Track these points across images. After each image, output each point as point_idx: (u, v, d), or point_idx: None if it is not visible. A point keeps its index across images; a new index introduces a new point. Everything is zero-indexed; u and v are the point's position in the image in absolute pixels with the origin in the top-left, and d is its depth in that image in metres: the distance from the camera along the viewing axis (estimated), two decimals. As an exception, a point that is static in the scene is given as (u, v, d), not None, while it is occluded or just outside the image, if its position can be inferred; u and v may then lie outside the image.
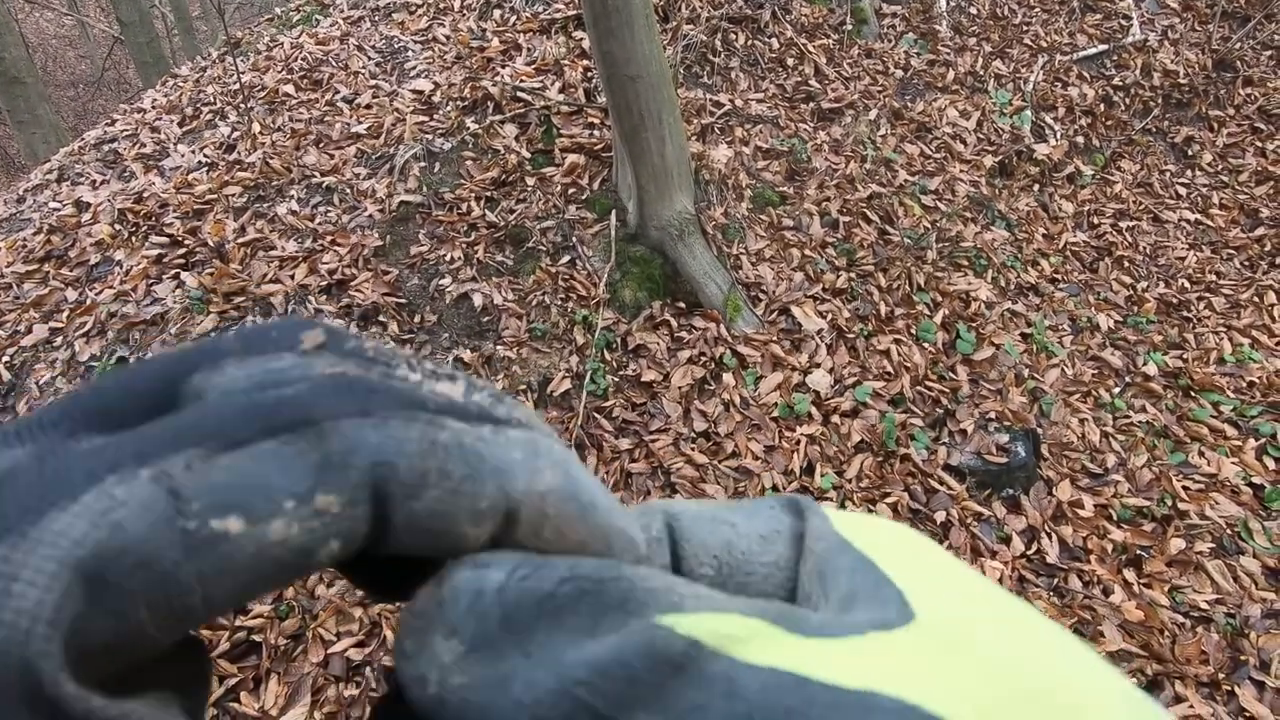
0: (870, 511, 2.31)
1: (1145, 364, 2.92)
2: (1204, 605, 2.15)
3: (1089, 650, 0.15)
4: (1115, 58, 4.24)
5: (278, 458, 0.12)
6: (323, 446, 0.12)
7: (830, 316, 2.78)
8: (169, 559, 0.11)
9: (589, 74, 3.31)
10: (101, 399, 0.13)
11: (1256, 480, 2.49)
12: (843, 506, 2.32)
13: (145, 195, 3.04)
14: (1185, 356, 2.97)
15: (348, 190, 2.97)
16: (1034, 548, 2.29)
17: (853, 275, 2.94)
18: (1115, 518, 2.38)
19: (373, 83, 3.47)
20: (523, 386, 2.56)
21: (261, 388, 0.13)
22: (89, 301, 2.71)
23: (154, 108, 3.80)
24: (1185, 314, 3.21)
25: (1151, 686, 1.98)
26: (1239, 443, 2.62)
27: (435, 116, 3.21)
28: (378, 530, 0.13)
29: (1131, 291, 3.29)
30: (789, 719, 0.12)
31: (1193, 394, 2.82)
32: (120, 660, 0.12)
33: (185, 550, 0.11)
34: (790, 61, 3.77)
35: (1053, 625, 0.16)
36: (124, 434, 0.12)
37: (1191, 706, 1.92)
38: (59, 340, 2.64)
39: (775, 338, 2.70)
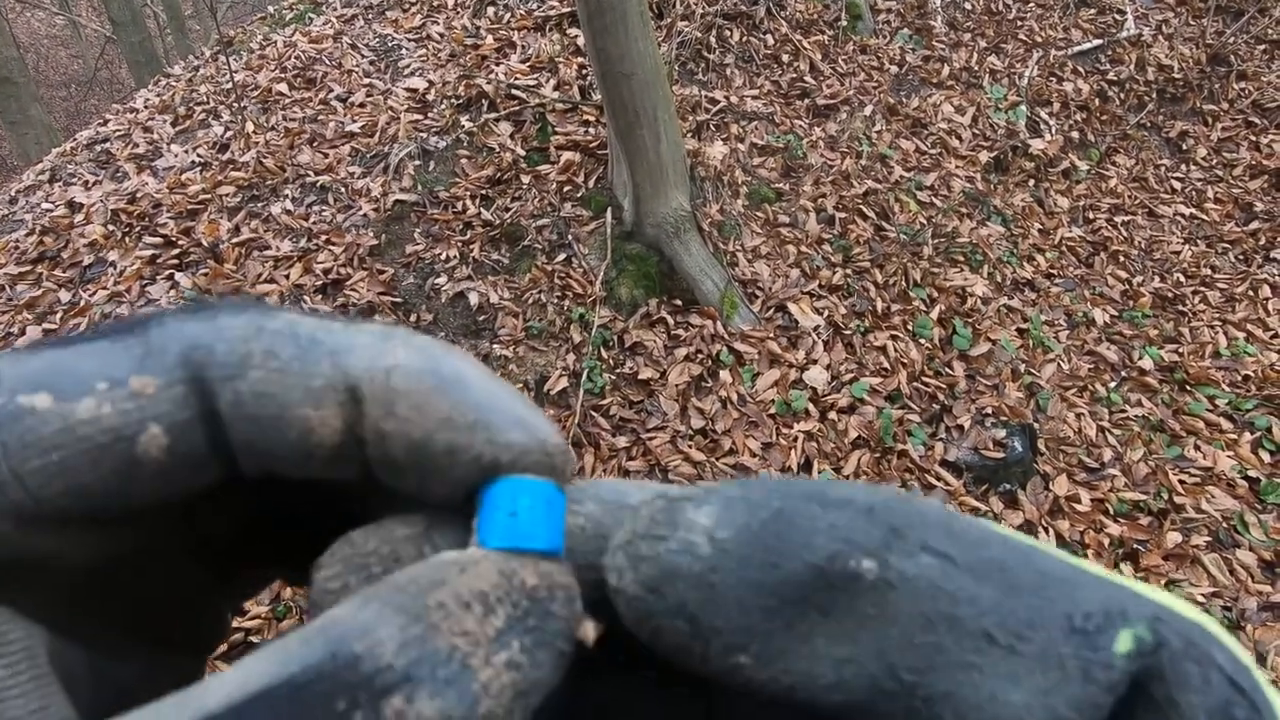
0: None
1: (1141, 358, 2.93)
2: (1200, 599, 2.16)
3: None
4: (1110, 52, 4.24)
5: (100, 351, 0.12)
6: (146, 340, 0.13)
7: (827, 313, 2.78)
8: None
9: (584, 71, 3.30)
10: None
11: (1252, 473, 2.50)
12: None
13: (138, 195, 3.02)
14: (1180, 350, 2.97)
15: (342, 189, 2.96)
16: (1031, 542, 2.29)
17: (849, 271, 2.94)
18: (1112, 512, 2.38)
19: (367, 81, 3.46)
20: (520, 385, 2.55)
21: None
22: (82, 303, 2.69)
23: (146, 107, 3.78)
24: (1180, 308, 3.21)
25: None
26: (1234, 436, 2.63)
27: (430, 115, 3.20)
28: (212, 424, 0.13)
29: (1127, 286, 3.29)
30: (1069, 572, 0.12)
31: (1188, 388, 2.83)
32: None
33: None
34: (785, 58, 3.76)
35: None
36: None
37: (1188, 699, 1.93)
38: (53, 342, 2.63)
39: (772, 334, 2.70)
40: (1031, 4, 4.46)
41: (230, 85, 3.52)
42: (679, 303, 2.79)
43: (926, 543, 0.11)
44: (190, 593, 0.17)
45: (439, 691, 0.10)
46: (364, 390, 0.13)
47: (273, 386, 0.12)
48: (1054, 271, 3.29)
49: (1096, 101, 4.01)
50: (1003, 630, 0.11)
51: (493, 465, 0.13)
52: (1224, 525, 2.34)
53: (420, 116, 3.20)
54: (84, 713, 0.13)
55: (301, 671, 0.10)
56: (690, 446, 2.43)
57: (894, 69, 3.90)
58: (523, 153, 3.06)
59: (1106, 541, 2.29)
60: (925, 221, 3.17)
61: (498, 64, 3.40)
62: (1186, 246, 3.51)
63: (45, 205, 3.13)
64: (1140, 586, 0.12)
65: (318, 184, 2.98)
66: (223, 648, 1.87)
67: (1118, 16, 4.42)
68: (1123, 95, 4.09)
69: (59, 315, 2.68)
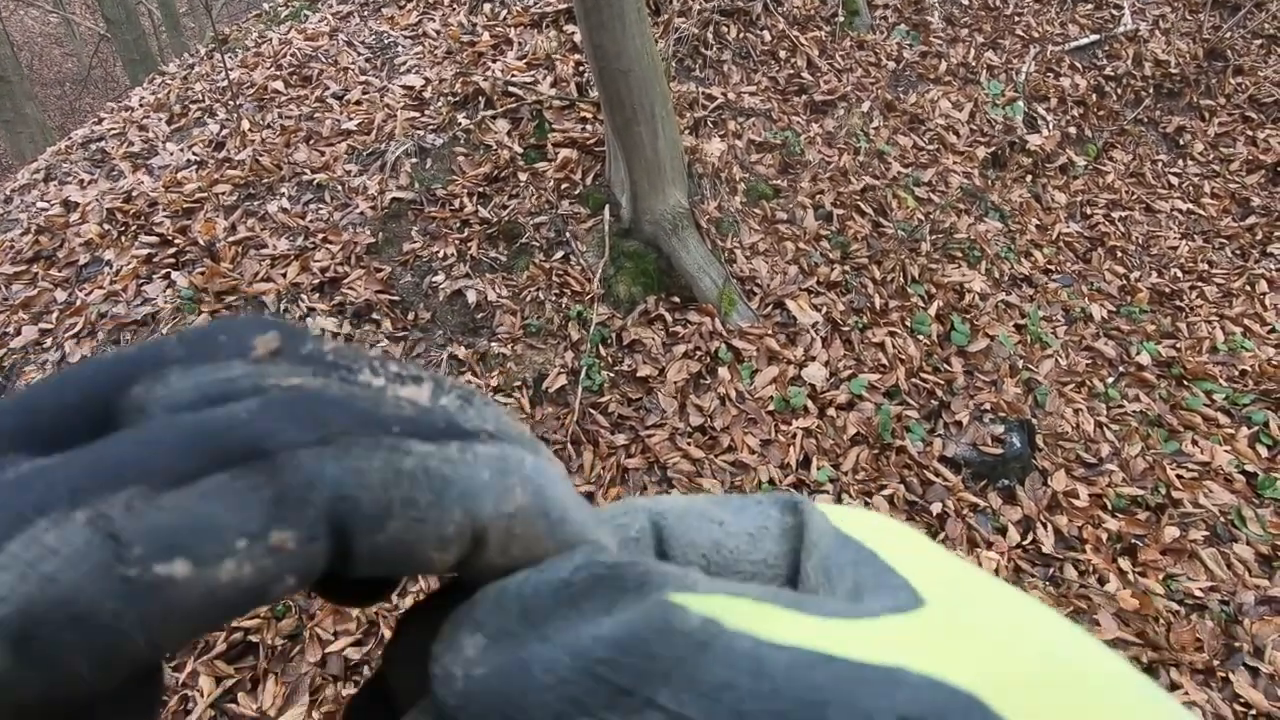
0: (867, 504, 2.32)
1: (1138, 353, 2.93)
2: (1198, 593, 2.16)
3: (1087, 633, 0.15)
4: (1107, 48, 4.24)
5: (227, 494, 0.11)
6: (277, 481, 0.12)
7: (825, 309, 2.78)
8: (107, 610, 0.10)
9: (581, 68, 3.29)
10: (30, 413, 0.12)
11: (1249, 468, 2.50)
12: (839, 500, 2.33)
13: (134, 194, 3.01)
14: (1178, 346, 2.98)
15: (339, 187, 2.95)
16: (1030, 538, 2.30)
17: (847, 268, 2.94)
18: (1110, 507, 2.39)
19: (363, 79, 3.45)
20: (518, 383, 2.55)
21: (209, 402, 0.12)
22: (79, 302, 2.68)
23: (142, 106, 3.76)
24: (1178, 303, 3.22)
25: (1147, 674, 1.99)
26: (1232, 431, 2.64)
27: (426, 112, 3.19)
28: (339, 561, 0.12)
29: (1124, 281, 3.30)
30: (818, 694, 0.11)
31: (1186, 383, 2.83)
32: (61, 708, 0.11)
33: (126, 599, 0.10)
34: (782, 54, 3.76)
35: (1052, 611, 0.16)
36: (55, 461, 0.11)
37: (1186, 693, 1.93)
38: (49, 342, 2.62)
39: (770, 331, 2.70)
40: (1028, -1, 4.46)
41: (226, 83, 3.51)
42: (677, 300, 2.79)
43: (654, 699, 0.12)
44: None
45: None
46: (489, 535, 0.14)
47: (410, 535, 0.13)
48: (1052, 267, 3.29)
49: (1094, 97, 4.01)
50: None
51: None
52: (1221, 520, 2.35)
53: (417, 114, 3.19)
54: None
55: None
56: (689, 444, 2.43)
57: (891, 65, 3.89)
58: (520, 150, 3.06)
59: (1105, 536, 2.30)
60: (923, 218, 3.17)
61: (494, 61, 3.39)
62: (1184, 242, 3.51)
63: (40, 204, 3.11)
64: (915, 657, 0.12)
65: (314, 182, 2.97)
66: (222, 647, 1.85)
67: (1115, 11, 4.42)
68: (1120, 91, 4.09)
69: (55, 315, 2.67)
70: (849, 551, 0.17)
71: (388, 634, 1.96)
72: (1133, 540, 2.30)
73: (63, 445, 0.12)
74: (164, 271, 2.72)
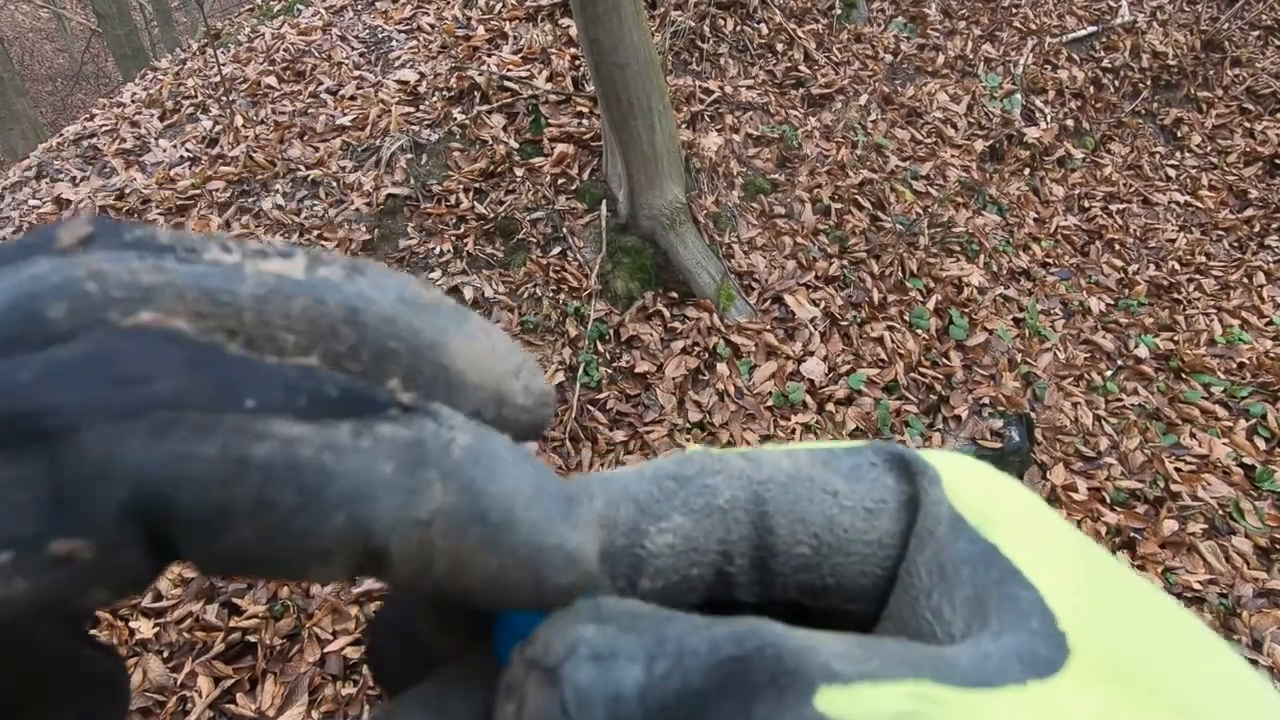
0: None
1: (1137, 347, 2.93)
2: (1197, 585, 2.17)
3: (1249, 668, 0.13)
4: (1104, 39, 4.23)
5: None
6: (56, 473, 0.09)
7: (823, 304, 2.77)
8: None
9: (577, 62, 3.27)
10: None
11: (1247, 460, 2.51)
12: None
13: (127, 191, 2.98)
14: (1176, 338, 2.98)
15: (334, 184, 2.93)
16: (1029, 532, 2.30)
17: (845, 262, 2.93)
18: (1109, 500, 2.39)
19: (357, 74, 3.42)
20: (515, 380, 2.54)
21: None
22: (72, 301, 2.66)
23: (134, 102, 3.73)
24: (1175, 296, 3.22)
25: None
26: (1230, 424, 2.64)
27: (421, 107, 3.17)
28: (171, 561, 0.10)
29: (1122, 274, 3.30)
30: None
31: (1184, 376, 2.83)
32: None
33: None
34: (779, 47, 3.74)
35: (1222, 643, 0.13)
36: None
37: (1186, 686, 1.94)
38: (42, 341, 2.60)
39: (769, 326, 2.69)
40: (1026, -9, 4.44)
41: (218, 79, 3.48)
42: (675, 295, 2.78)
43: None
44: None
45: None
46: (393, 554, 0.10)
47: (265, 549, 0.10)
48: (1050, 260, 3.29)
49: (1091, 89, 4.00)
50: None
51: (536, 605, 0.12)
52: (1220, 512, 2.35)
53: (412, 109, 3.16)
54: None
55: None
56: (688, 440, 2.42)
57: (889, 58, 3.88)
58: (516, 145, 3.04)
59: (1104, 530, 2.30)
60: (921, 211, 3.16)
61: (490, 55, 3.37)
62: (1181, 234, 3.51)
63: (32, 202, 3.09)
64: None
65: (309, 178, 2.95)
66: (220, 647, 1.84)
67: (1112, 3, 4.41)
68: (1117, 83, 4.08)
69: (48, 314, 2.66)
70: (965, 543, 0.14)
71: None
72: (1131, 533, 2.30)
73: None
74: (158, 269, 2.70)
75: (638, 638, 0.11)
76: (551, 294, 2.70)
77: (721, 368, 2.58)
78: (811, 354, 2.64)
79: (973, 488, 0.15)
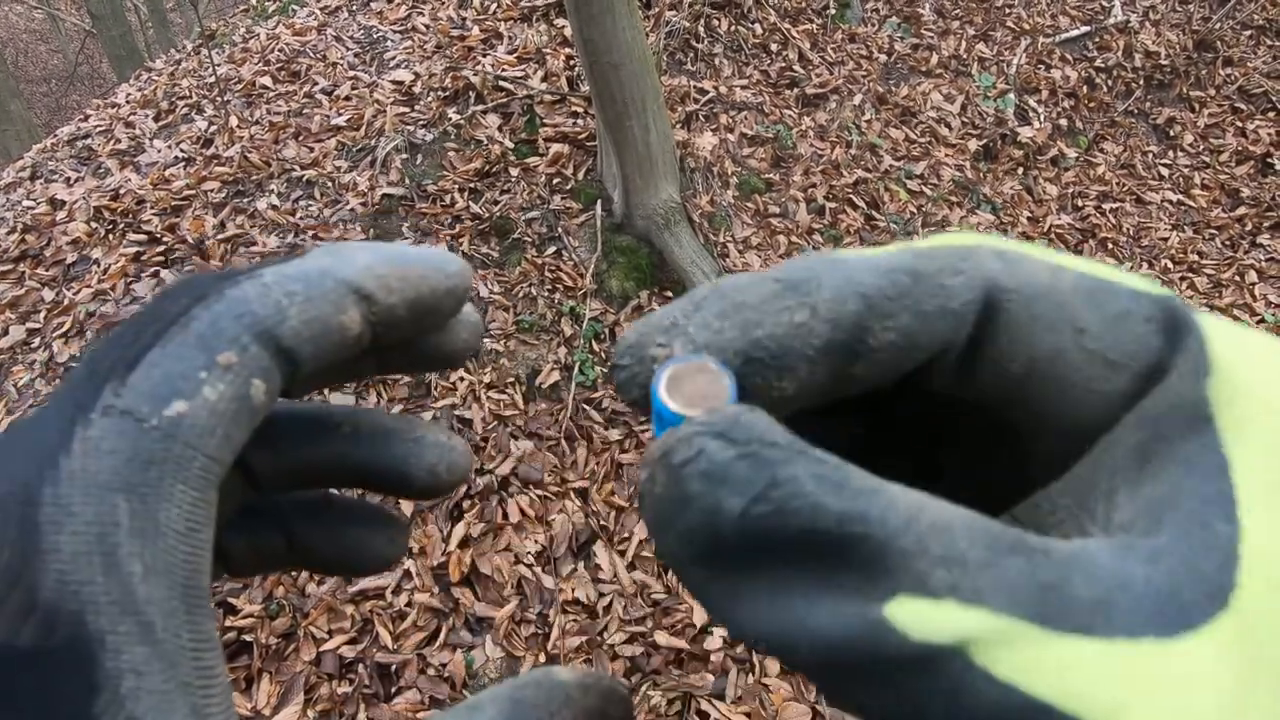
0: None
1: (1129, 345, 2.95)
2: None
3: None
4: (1097, 39, 4.25)
5: (176, 356, 0.15)
6: (192, 330, 0.15)
7: (818, 303, 2.78)
8: (161, 453, 0.14)
9: (571, 62, 3.27)
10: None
11: (1239, 457, 2.52)
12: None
13: (122, 192, 2.98)
14: (1169, 336, 2.99)
15: (329, 184, 2.93)
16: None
17: (840, 261, 2.94)
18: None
19: (352, 74, 3.42)
20: (511, 379, 2.55)
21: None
22: (66, 301, 2.66)
23: (128, 102, 3.72)
24: (1168, 294, 3.23)
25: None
26: (1222, 421, 2.65)
27: (416, 107, 3.17)
28: (284, 356, 0.16)
29: (1115, 273, 3.31)
30: None
31: (1176, 373, 2.85)
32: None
33: (165, 440, 0.14)
34: (774, 47, 3.75)
35: None
36: (60, 391, 0.15)
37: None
38: (36, 341, 2.60)
39: (763, 325, 2.70)
40: (1019, -9, 4.46)
41: (213, 79, 3.48)
42: (670, 295, 2.78)
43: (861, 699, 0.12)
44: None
45: None
46: (365, 287, 0.17)
47: (310, 310, 0.16)
48: (1043, 259, 3.30)
49: (1084, 89, 4.02)
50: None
51: (462, 293, 0.19)
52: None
53: (407, 109, 3.17)
54: None
55: None
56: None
57: (883, 58, 3.89)
58: (511, 145, 3.04)
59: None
60: (915, 210, 3.17)
61: (484, 55, 3.37)
62: (1174, 233, 3.53)
63: (26, 203, 3.08)
64: None
65: (304, 178, 2.95)
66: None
67: (1105, 3, 4.43)
68: (1110, 82, 4.10)
69: (43, 314, 2.65)
70: (1192, 445, 0.12)
71: (382, 632, 1.96)
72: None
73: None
74: (153, 270, 2.70)
75: (755, 471, 0.11)
76: (547, 293, 2.71)
77: (716, 366, 2.58)
78: (806, 353, 2.65)
79: (1264, 389, 0.13)
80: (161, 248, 2.75)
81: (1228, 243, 3.52)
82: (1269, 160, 3.82)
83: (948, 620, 0.10)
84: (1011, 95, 3.84)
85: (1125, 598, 0.10)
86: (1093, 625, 0.10)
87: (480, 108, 3.13)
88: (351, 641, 1.93)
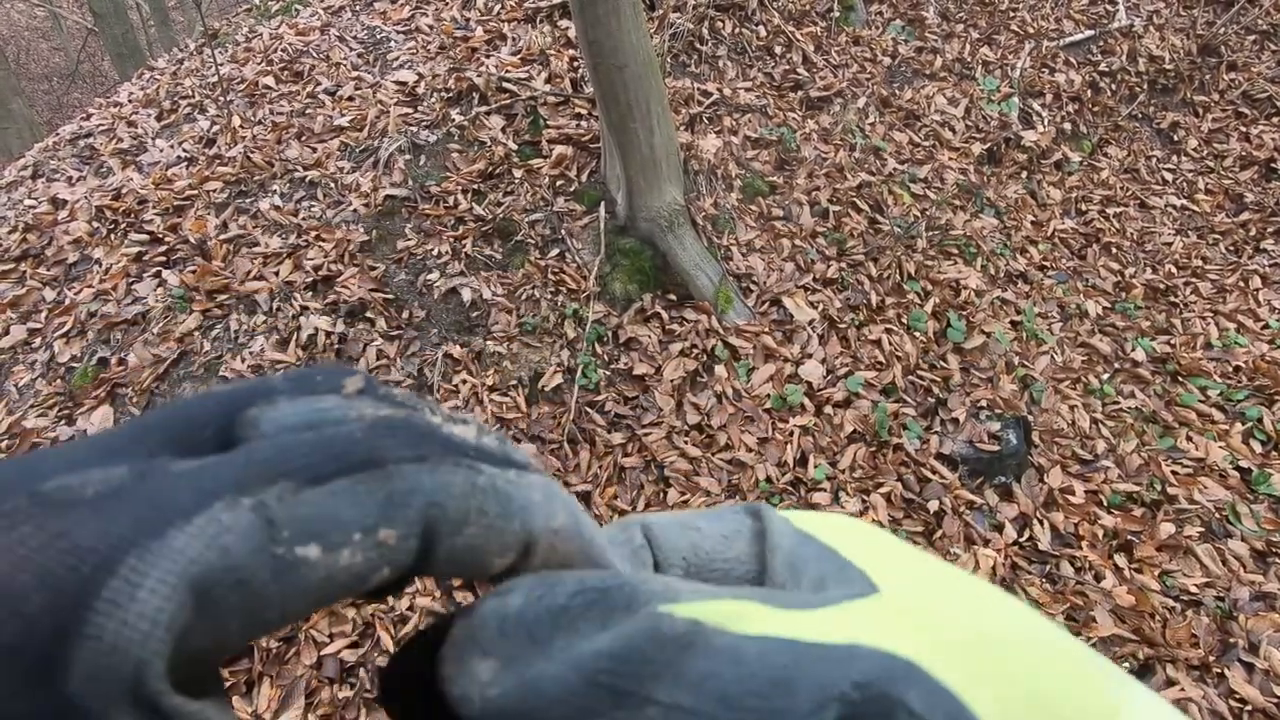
0: (864, 501, 2.32)
1: (1133, 350, 2.94)
2: (1194, 589, 2.17)
3: (1027, 609, 0.18)
4: (1101, 43, 4.24)
5: (350, 495, 0.14)
6: (388, 486, 0.14)
7: (821, 307, 2.77)
8: (261, 579, 0.13)
9: (575, 64, 3.27)
10: (170, 425, 0.15)
11: (1243, 464, 2.51)
12: (836, 497, 2.32)
13: (123, 191, 2.97)
14: (1173, 342, 2.99)
15: (331, 184, 2.93)
16: (1026, 535, 2.30)
17: (843, 265, 2.93)
18: (1106, 504, 2.39)
19: (355, 74, 3.42)
20: (513, 382, 2.54)
21: (313, 426, 0.15)
22: (68, 301, 2.65)
23: (130, 101, 3.72)
24: (1172, 299, 3.23)
25: (1143, 670, 2.00)
26: (1226, 427, 2.65)
27: (420, 108, 3.16)
28: (421, 560, 0.15)
29: (1119, 278, 3.30)
30: (786, 673, 0.13)
31: (1180, 379, 2.84)
32: (200, 666, 0.13)
33: (274, 572, 0.13)
34: (778, 49, 3.74)
35: (996, 590, 0.18)
36: (213, 461, 0.14)
37: (1183, 689, 1.94)
38: (38, 341, 2.59)
39: (767, 329, 2.69)
40: (1023, -6, 4.45)
41: (216, 79, 3.47)
42: (673, 297, 2.77)
43: (652, 696, 0.13)
44: None
45: None
46: (537, 546, 0.16)
47: (481, 541, 0.15)
48: (1047, 263, 3.29)
49: (1088, 93, 4.01)
50: None
51: None
52: (1216, 516, 2.36)
53: (410, 110, 3.16)
54: None
55: None
56: (686, 442, 2.42)
57: (887, 60, 3.88)
58: (514, 146, 3.03)
59: (1100, 533, 2.30)
60: (919, 214, 3.16)
61: (488, 56, 3.37)
62: (1178, 238, 3.52)
63: (28, 202, 3.08)
64: (868, 634, 0.14)
65: (306, 179, 2.94)
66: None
67: (1109, 7, 4.42)
68: (1114, 86, 4.09)
69: (44, 314, 2.64)
70: (811, 549, 0.20)
71: (384, 636, 1.95)
72: (1128, 537, 2.30)
73: (199, 453, 0.14)
74: (154, 270, 2.69)
75: (530, 581, 0.16)
76: (550, 296, 2.70)
77: (720, 370, 2.57)
78: (810, 356, 2.64)
79: (822, 520, 0.21)
80: (163, 248, 2.74)
81: (1232, 248, 3.51)
82: (1273, 165, 3.81)
83: (700, 605, 0.15)
84: (1015, 99, 3.83)
85: (829, 593, 0.17)
86: (810, 604, 0.16)
87: (484, 109, 3.12)
88: (353, 645, 1.92)
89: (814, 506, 2.27)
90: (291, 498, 0.13)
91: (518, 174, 2.96)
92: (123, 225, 2.85)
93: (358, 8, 3.94)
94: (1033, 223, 3.45)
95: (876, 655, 0.14)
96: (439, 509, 0.15)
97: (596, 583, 0.15)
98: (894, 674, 0.13)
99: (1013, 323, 2.94)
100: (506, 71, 3.24)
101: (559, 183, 2.97)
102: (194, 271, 2.63)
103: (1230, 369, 2.87)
